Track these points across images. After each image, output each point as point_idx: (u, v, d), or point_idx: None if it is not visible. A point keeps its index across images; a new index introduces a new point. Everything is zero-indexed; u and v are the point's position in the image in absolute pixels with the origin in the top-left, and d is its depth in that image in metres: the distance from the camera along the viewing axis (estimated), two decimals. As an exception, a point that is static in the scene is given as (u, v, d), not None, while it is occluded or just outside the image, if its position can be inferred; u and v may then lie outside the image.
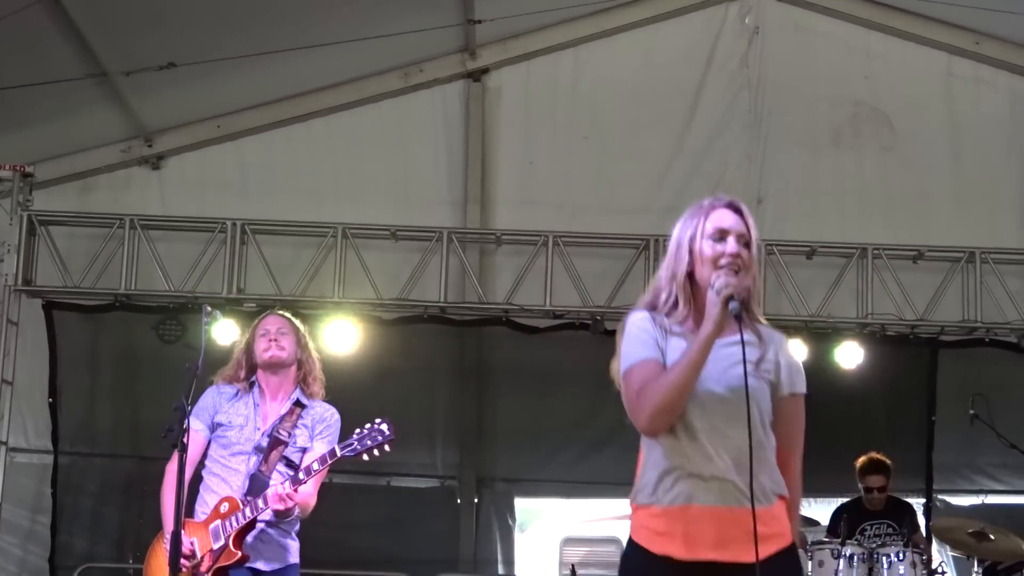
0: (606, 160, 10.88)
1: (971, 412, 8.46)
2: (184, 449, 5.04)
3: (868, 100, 10.99)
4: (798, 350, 9.96)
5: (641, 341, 3.77)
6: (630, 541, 3.90)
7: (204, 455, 5.80)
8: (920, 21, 10.91)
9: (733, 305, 3.64)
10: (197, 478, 5.80)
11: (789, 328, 9.97)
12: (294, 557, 5.81)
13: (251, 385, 5.87)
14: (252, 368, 5.89)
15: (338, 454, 5.55)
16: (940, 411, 10.49)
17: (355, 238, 10.07)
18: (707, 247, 3.79)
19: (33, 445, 10.46)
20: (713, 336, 3.64)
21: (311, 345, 6.03)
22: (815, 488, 10.03)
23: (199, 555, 5.58)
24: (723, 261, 3.74)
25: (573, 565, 8.94)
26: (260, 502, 5.53)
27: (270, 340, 5.84)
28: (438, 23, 10.27)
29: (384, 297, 10.07)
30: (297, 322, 6.03)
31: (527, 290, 10.08)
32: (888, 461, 9.22)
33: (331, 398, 5.98)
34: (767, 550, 3.68)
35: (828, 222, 10.63)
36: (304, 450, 5.78)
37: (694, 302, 3.82)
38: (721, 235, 3.79)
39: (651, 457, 3.82)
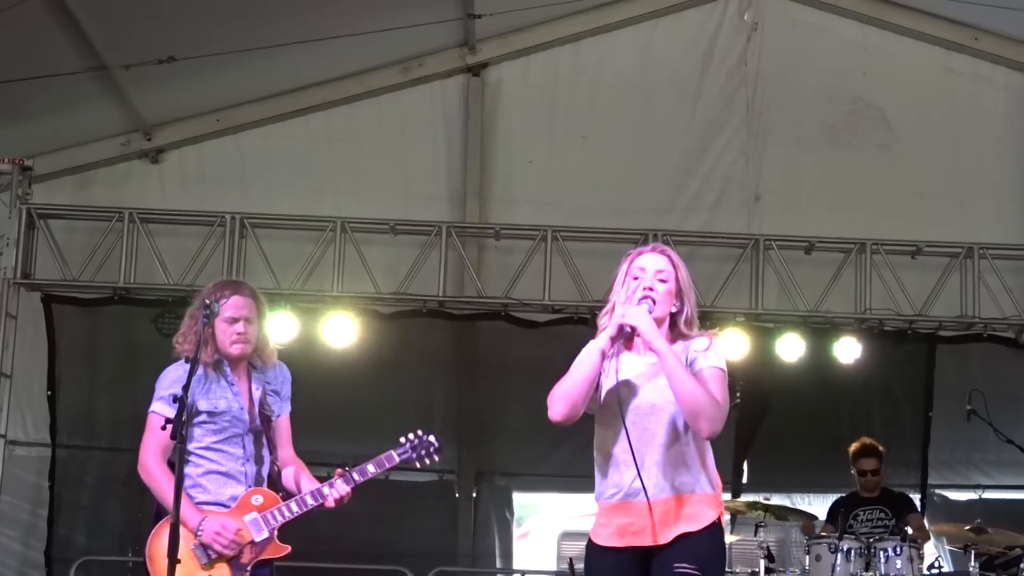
0: (604, 156, 10.88)
1: (968, 407, 8.44)
2: (184, 441, 5.06)
3: (866, 96, 10.98)
4: (791, 345, 10.00)
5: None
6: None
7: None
8: (918, 16, 10.90)
9: (626, 331, 4.64)
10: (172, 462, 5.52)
11: (787, 323, 10.07)
12: None
13: (218, 363, 5.56)
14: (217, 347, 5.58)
15: (396, 460, 5.58)
16: (937, 406, 10.49)
17: (354, 232, 10.09)
18: (628, 287, 4.64)
19: (32, 438, 10.47)
20: (597, 345, 4.82)
21: (267, 321, 5.75)
22: (813, 483, 10.08)
23: (241, 544, 5.45)
24: (637, 293, 4.56)
25: (571, 559, 8.93)
26: (309, 498, 5.50)
27: (238, 333, 5.51)
28: (438, 18, 10.27)
29: (383, 291, 10.09)
30: (262, 300, 5.71)
31: (526, 285, 10.10)
32: (881, 447, 9.25)
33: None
34: (672, 534, 4.62)
35: (826, 218, 10.61)
36: (278, 416, 5.69)
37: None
38: (639, 274, 4.60)
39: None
